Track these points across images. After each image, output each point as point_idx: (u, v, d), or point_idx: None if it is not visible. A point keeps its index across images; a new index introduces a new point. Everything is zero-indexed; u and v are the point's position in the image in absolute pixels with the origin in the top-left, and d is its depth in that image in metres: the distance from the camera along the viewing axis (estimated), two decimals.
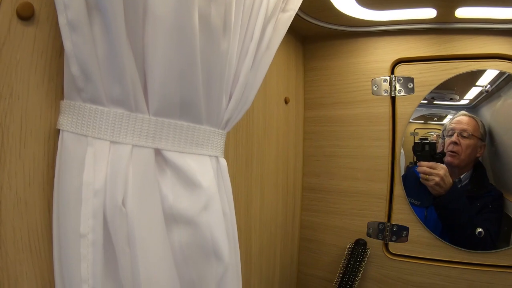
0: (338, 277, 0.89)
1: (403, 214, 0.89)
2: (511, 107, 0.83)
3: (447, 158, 0.87)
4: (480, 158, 0.85)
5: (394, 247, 0.91)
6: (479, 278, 0.84)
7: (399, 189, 0.89)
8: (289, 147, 0.94)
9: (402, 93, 0.90)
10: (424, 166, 0.86)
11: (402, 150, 0.90)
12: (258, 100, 0.80)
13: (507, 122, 0.84)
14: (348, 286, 0.87)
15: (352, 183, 0.94)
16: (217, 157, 0.49)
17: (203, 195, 0.45)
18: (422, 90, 0.89)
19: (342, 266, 0.90)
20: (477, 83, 0.86)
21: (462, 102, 0.88)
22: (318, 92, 1.01)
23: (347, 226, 0.94)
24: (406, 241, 0.89)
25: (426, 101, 0.89)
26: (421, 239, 0.88)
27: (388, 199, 0.90)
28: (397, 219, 0.90)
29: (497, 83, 0.84)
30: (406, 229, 0.89)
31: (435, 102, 0.89)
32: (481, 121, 0.85)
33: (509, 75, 0.82)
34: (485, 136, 0.85)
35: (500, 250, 0.83)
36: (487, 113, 0.86)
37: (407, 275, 0.90)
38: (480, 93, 0.86)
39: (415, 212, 0.88)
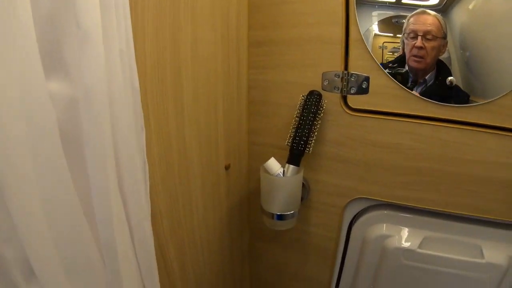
0: (291, 134, 0.78)
1: (362, 60, 0.77)
2: (487, 7, 0.71)
3: (411, 64, 0.75)
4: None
5: (354, 101, 0.79)
6: (455, 138, 0.75)
7: (355, 31, 0.76)
8: None
9: None
10: None
11: None
12: None
13: (483, 24, 0.73)
14: (302, 143, 0.76)
15: (302, 30, 0.80)
16: None
17: None
18: None
19: (295, 122, 0.78)
20: None
21: (432, 2, 0.74)
22: None
23: (300, 80, 0.81)
24: (367, 92, 0.78)
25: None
26: (384, 89, 0.77)
27: (344, 44, 0.77)
28: (355, 67, 0.77)
29: None
30: (366, 78, 0.77)
31: (403, 1, 0.76)
32: (442, 18, 0.73)
33: None
34: (447, 33, 0.74)
35: (477, 104, 0.72)
36: (459, 14, 0.73)
37: (371, 134, 0.80)
38: None
39: None
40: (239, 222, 0.97)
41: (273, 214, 0.82)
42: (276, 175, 0.79)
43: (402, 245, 0.86)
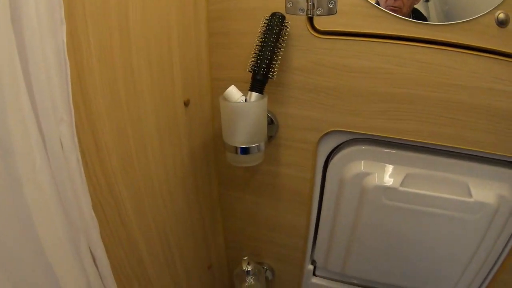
0: (252, 59, 0.70)
1: None
2: None
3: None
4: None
5: (321, 23, 0.71)
6: (435, 60, 0.67)
7: None
8: None
9: None
10: None
11: None
12: None
13: None
14: (264, 67, 0.68)
15: None
16: None
17: None
18: None
19: (257, 46, 0.70)
20: None
21: None
22: None
23: (264, 6, 0.73)
24: (335, 12, 0.70)
25: None
26: (355, 8, 0.69)
27: None
28: None
29: None
30: None
31: None
32: None
33: None
34: None
35: (458, 22, 0.65)
36: None
37: (343, 59, 0.72)
38: None
39: None
40: (205, 167, 0.90)
41: (236, 148, 0.74)
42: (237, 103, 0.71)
43: (383, 183, 0.80)
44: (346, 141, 0.84)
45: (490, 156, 0.77)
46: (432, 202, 0.79)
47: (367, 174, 0.81)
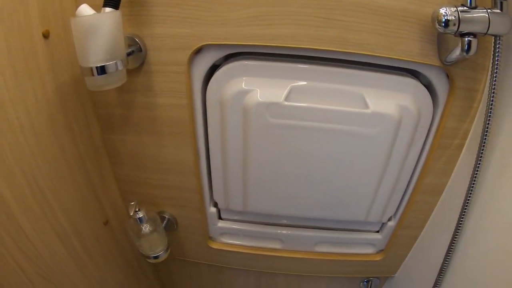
0: None
1: None
2: None
3: None
4: None
5: None
6: None
7: None
8: None
9: None
10: None
11: None
12: None
13: None
14: None
15: None
16: None
17: None
18: None
19: None
20: None
21: None
22: None
23: None
24: None
25: None
26: None
27: None
28: None
29: None
30: None
31: None
32: None
33: None
34: None
35: None
36: None
37: None
38: None
39: None
40: (80, 107, 0.75)
41: (92, 69, 0.59)
42: None
43: (265, 100, 0.68)
44: (225, 59, 0.71)
45: (387, 64, 0.68)
46: (325, 116, 0.69)
47: (248, 91, 0.69)
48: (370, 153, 0.74)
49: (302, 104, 0.68)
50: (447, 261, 0.76)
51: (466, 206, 0.69)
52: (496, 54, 0.56)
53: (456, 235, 0.72)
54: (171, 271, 1.24)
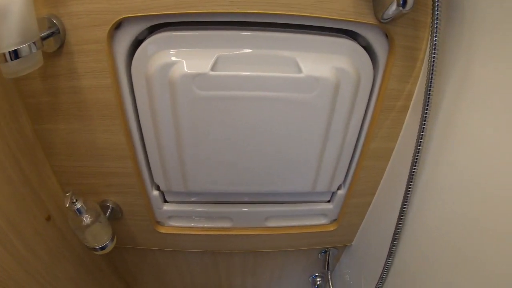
0: None
1: None
2: None
3: None
4: None
5: None
6: None
7: None
8: None
9: None
10: None
11: None
12: None
13: None
14: None
15: None
16: None
17: None
18: None
19: None
20: None
21: None
22: None
23: None
24: None
25: None
26: None
27: None
28: None
29: None
30: None
31: None
32: None
33: None
34: None
35: None
36: None
37: None
38: None
39: None
40: (4, 100, 0.68)
41: (5, 55, 0.53)
42: None
43: (191, 71, 0.63)
44: (150, 33, 0.65)
45: (323, 25, 0.64)
46: (256, 84, 0.65)
47: (173, 63, 0.63)
48: (310, 120, 0.72)
49: (230, 73, 0.64)
50: (399, 227, 0.75)
51: (414, 170, 0.67)
52: (436, 11, 0.53)
53: (406, 200, 0.71)
54: (126, 261, 1.19)
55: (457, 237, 0.60)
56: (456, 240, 0.60)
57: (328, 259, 1.12)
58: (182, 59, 0.64)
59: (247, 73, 0.64)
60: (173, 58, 0.64)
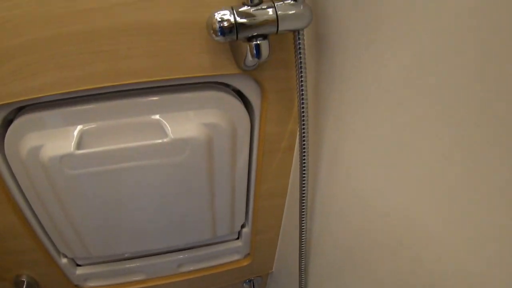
0: None
1: None
2: None
3: None
4: None
5: None
6: None
7: None
8: None
9: None
10: None
11: None
12: None
13: None
14: None
15: None
16: None
17: None
18: None
19: None
20: None
21: None
22: None
23: None
24: None
25: None
26: None
27: None
28: None
29: None
30: None
31: None
32: None
33: None
34: None
35: None
36: None
37: None
38: None
39: None
40: None
41: None
42: None
43: (56, 153, 0.66)
44: (16, 113, 0.66)
45: (186, 82, 0.66)
46: (124, 155, 0.68)
47: (39, 147, 0.66)
48: (189, 178, 0.74)
49: (95, 149, 0.66)
50: (302, 251, 0.77)
51: (303, 199, 0.68)
52: (298, 50, 0.50)
53: (303, 230, 0.73)
54: None
55: (353, 247, 0.64)
56: (352, 249, 0.64)
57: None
58: (46, 141, 0.65)
59: (112, 147, 0.67)
60: (38, 141, 0.65)
